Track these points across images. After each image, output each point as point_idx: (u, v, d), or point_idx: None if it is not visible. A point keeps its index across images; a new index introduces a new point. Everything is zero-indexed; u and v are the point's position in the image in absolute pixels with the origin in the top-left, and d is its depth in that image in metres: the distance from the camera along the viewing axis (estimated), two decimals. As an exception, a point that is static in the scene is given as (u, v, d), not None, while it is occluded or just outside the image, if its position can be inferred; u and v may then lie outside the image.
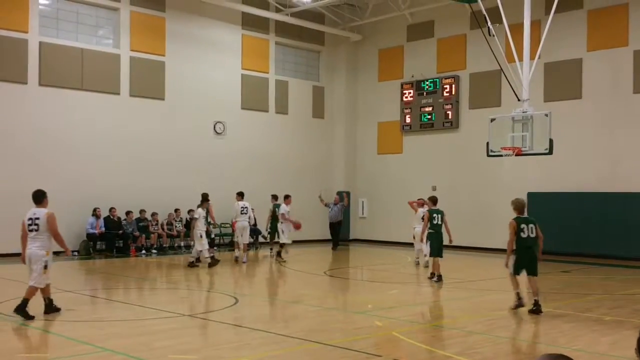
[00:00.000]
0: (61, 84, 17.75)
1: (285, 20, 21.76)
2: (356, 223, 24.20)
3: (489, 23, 14.06)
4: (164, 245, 18.81)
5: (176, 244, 19.35)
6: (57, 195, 17.35)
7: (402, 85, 22.65)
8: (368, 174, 23.92)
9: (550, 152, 13.24)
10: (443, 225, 13.09)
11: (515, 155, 13.48)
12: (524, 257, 9.57)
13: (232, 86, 21.41)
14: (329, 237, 21.15)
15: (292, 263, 16.40)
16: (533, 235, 9.58)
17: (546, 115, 13.19)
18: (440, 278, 12.76)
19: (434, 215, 12.98)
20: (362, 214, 24.12)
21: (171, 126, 19.82)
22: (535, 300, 9.41)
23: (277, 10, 21.64)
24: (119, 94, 18.88)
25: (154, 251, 18.33)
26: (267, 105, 22.45)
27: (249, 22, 21.70)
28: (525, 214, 9.96)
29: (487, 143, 14.22)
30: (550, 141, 13.03)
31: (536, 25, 15.96)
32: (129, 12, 19.04)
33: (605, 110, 17.94)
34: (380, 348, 7.51)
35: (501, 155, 13.91)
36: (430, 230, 12.96)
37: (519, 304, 9.47)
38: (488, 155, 14.35)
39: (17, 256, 16.53)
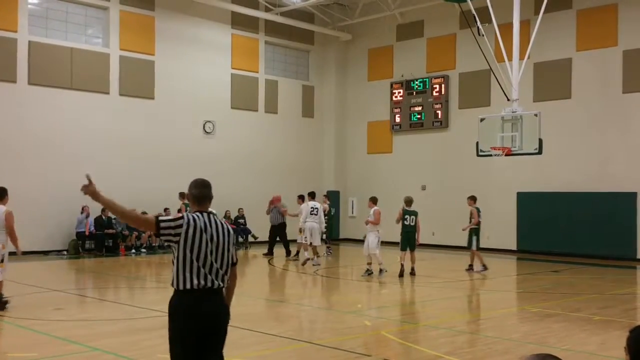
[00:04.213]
0: (50, 83, 17.63)
1: (275, 20, 21.72)
2: (346, 222, 24.21)
3: (479, 23, 14.12)
4: (154, 245, 18.72)
5: (166, 243, 19.21)
6: (46, 194, 17.35)
7: (391, 84, 22.69)
8: (358, 174, 23.93)
9: (540, 152, 13.32)
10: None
11: (505, 155, 13.56)
12: (405, 238, 13.56)
13: (221, 85, 21.34)
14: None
15: (283, 263, 16.37)
16: (413, 224, 13.53)
17: (536, 115, 13.27)
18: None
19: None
20: (352, 213, 24.14)
21: (161, 125, 19.72)
22: (412, 267, 13.56)
23: (267, 10, 21.60)
24: (108, 93, 18.77)
25: (143, 250, 18.24)
26: (256, 104, 22.39)
27: (239, 22, 21.63)
28: (412, 208, 13.58)
29: (477, 143, 14.28)
30: (540, 141, 13.11)
31: (525, 25, 16.05)
32: (118, 11, 18.92)
33: (595, 110, 18.06)
34: (370, 348, 7.51)
35: (491, 155, 13.99)
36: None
37: (401, 273, 13.31)
38: (478, 155, 14.42)
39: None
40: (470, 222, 14.47)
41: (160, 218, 4.07)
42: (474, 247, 14.39)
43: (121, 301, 10.83)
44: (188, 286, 4.02)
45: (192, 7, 20.24)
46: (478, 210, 14.54)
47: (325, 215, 17.88)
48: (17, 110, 17.10)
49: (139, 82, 19.35)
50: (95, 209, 17.96)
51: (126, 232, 18.13)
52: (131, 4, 19.18)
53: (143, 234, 18.32)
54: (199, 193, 4.23)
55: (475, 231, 14.42)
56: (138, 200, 18.49)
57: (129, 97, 19.15)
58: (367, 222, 13.69)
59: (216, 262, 4.09)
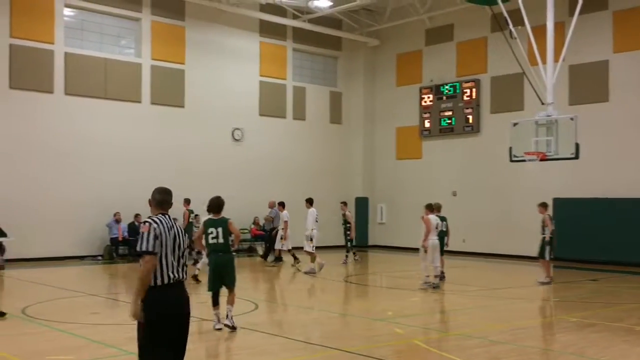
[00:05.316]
0: (85, 93, 18.04)
1: (303, 27, 21.77)
2: (375, 229, 24.03)
3: (511, 25, 13.84)
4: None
5: (196, 250, 19.33)
6: (82, 200, 17.69)
7: (420, 89, 22.48)
8: (387, 180, 23.74)
9: (577, 157, 12.90)
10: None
11: (540, 160, 13.18)
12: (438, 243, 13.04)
13: (250, 93, 21.47)
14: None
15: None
16: (445, 229, 13.44)
17: (572, 118, 12.88)
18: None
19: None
20: (381, 219, 23.94)
21: (191, 133, 19.93)
22: (441, 271, 13.22)
23: (295, 17, 21.67)
24: (140, 102, 19.09)
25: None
26: (284, 111, 22.45)
27: (267, 29, 21.76)
28: (441, 213, 13.44)
29: (510, 148, 13.95)
30: (577, 145, 12.71)
31: (560, 27, 15.64)
32: (150, 22, 19.26)
33: (634, 113, 17.50)
34: (401, 356, 7.36)
35: (524, 161, 13.62)
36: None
37: (440, 276, 13.10)
38: (511, 161, 14.05)
39: (40, 261, 16.81)
40: (544, 231, 13.67)
41: (144, 248, 4.48)
42: (546, 257, 13.63)
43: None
44: (166, 280, 4.52)
45: (221, 16, 20.45)
46: (550, 217, 13.83)
47: (348, 222, 17.67)
48: (54, 119, 17.52)
49: (170, 91, 19.62)
50: (128, 215, 18.23)
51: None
52: (162, 14, 19.49)
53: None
54: (161, 198, 4.79)
55: (549, 241, 13.65)
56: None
57: (160, 105, 19.43)
58: (424, 247, 12.65)
59: (182, 257, 4.65)
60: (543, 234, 13.73)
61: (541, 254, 13.75)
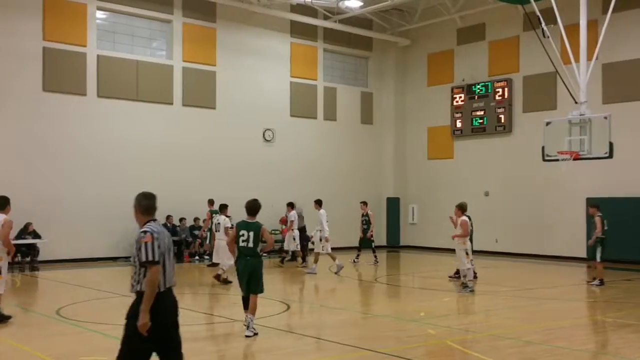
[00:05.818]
0: (118, 95, 18.38)
1: (333, 27, 21.84)
2: (406, 229, 23.94)
3: (543, 24, 13.64)
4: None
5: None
6: (115, 202, 18.05)
7: (452, 89, 22.32)
8: (418, 180, 23.64)
9: (611, 156, 12.68)
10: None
11: (573, 159, 12.99)
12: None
13: (281, 94, 21.64)
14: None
15: (343, 269, 16.33)
16: (472, 228, 13.11)
17: (605, 117, 12.66)
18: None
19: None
20: (413, 220, 23.85)
21: (222, 134, 20.18)
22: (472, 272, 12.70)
23: (325, 18, 21.75)
24: (172, 103, 19.40)
25: (206, 257, 18.66)
26: (315, 112, 22.55)
27: (298, 30, 21.89)
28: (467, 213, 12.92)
29: (543, 147, 13.77)
30: (610, 144, 12.49)
31: (593, 25, 15.38)
32: (181, 24, 19.57)
33: (670, 111, 17.09)
34: (434, 357, 7.36)
35: (557, 160, 13.43)
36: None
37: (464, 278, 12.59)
38: (544, 160, 13.88)
39: (74, 262, 17.21)
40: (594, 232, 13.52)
41: (149, 259, 4.51)
42: (598, 258, 13.40)
43: (185, 307, 11.07)
44: (162, 288, 4.59)
45: (252, 17, 20.66)
46: (603, 218, 13.52)
47: (370, 222, 17.62)
48: (87, 122, 17.87)
49: (201, 93, 19.90)
50: (160, 217, 18.55)
51: (190, 239, 18.61)
52: (193, 16, 19.79)
53: (205, 243, 18.70)
54: (148, 204, 4.77)
55: (600, 242, 13.40)
56: (200, 206, 18.98)
57: (192, 107, 19.72)
58: (453, 237, 12.59)
59: (173, 263, 4.75)
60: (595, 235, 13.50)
61: (592, 255, 13.56)
